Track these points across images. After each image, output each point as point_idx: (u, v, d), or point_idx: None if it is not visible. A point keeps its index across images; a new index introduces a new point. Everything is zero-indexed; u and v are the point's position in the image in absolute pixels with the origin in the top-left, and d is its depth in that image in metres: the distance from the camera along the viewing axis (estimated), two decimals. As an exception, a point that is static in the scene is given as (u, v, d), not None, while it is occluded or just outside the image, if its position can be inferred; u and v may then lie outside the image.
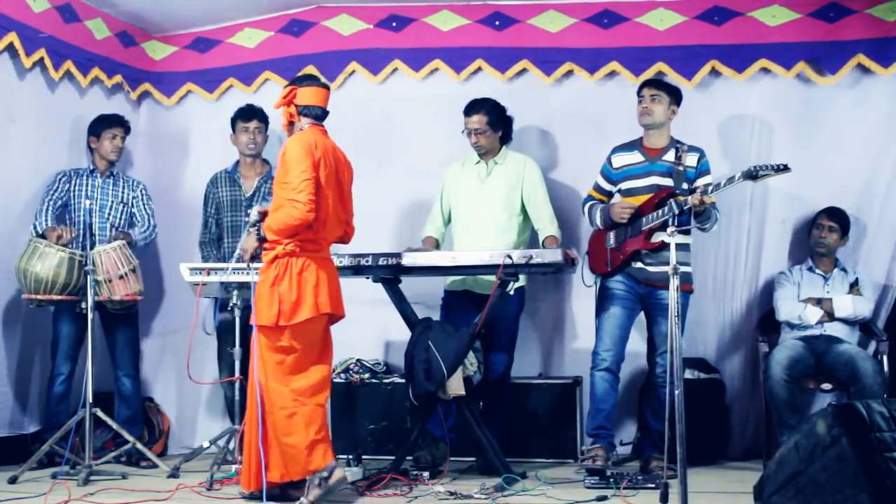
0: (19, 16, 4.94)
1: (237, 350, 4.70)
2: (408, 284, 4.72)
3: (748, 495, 3.39)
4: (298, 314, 3.88)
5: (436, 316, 4.88)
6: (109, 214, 5.22)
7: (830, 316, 4.79)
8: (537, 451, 5.04)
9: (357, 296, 5.13)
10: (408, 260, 4.54)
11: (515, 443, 4.98)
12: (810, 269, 4.96)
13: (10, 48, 4.93)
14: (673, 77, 5.17)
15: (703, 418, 4.83)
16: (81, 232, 4.91)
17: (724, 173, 4.61)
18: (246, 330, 4.44)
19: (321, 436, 3.88)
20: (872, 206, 5.09)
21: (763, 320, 5.16)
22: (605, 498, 3.94)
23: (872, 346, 4.90)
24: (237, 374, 4.66)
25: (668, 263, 3.59)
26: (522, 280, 4.89)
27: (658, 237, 4.55)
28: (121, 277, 4.85)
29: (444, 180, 5.13)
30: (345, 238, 4.21)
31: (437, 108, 5.45)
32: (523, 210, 4.97)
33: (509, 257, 4.34)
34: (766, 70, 5.20)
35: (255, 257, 4.09)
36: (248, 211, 4.35)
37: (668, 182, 4.58)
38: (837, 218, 4.93)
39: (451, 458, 4.68)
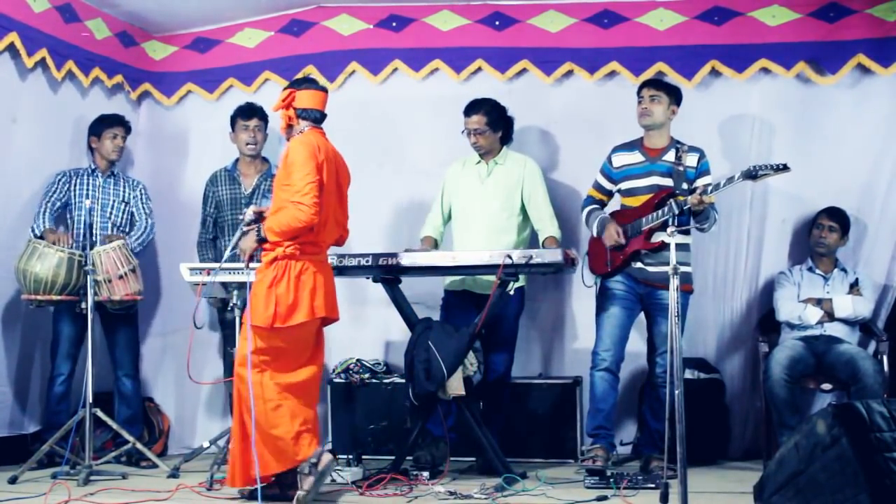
0: (19, 16, 4.94)
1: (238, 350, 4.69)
2: (408, 284, 4.72)
3: (748, 495, 3.39)
4: (294, 317, 3.88)
5: (436, 316, 4.88)
6: (111, 214, 5.22)
7: (830, 316, 4.79)
8: (537, 451, 5.04)
9: (357, 296, 5.15)
10: (407, 260, 4.54)
11: (515, 443, 4.98)
12: (810, 270, 4.96)
13: (12, 48, 4.93)
14: (673, 77, 5.17)
15: (703, 418, 4.83)
16: (82, 232, 4.91)
17: (724, 173, 4.62)
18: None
19: (306, 427, 3.89)
20: (872, 206, 5.09)
21: (763, 320, 5.16)
22: (605, 498, 3.94)
23: (872, 346, 4.90)
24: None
25: (667, 263, 3.59)
26: (522, 280, 4.89)
27: (658, 237, 4.55)
28: (120, 277, 4.85)
29: (445, 180, 5.13)
30: (340, 241, 4.22)
31: (437, 108, 5.45)
32: (523, 210, 4.97)
33: (509, 257, 4.34)
34: (766, 70, 5.20)
35: (252, 258, 4.08)
36: (244, 210, 4.35)
37: (669, 182, 4.58)
38: (837, 218, 4.93)
39: (451, 458, 4.67)
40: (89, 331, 4.66)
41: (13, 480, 4.45)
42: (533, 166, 5.02)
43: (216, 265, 4.54)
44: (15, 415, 5.09)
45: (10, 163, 5.06)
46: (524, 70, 5.48)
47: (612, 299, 4.68)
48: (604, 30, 5.37)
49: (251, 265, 4.08)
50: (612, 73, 5.38)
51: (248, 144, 5.29)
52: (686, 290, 4.55)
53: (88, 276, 4.67)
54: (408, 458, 4.63)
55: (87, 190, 5.18)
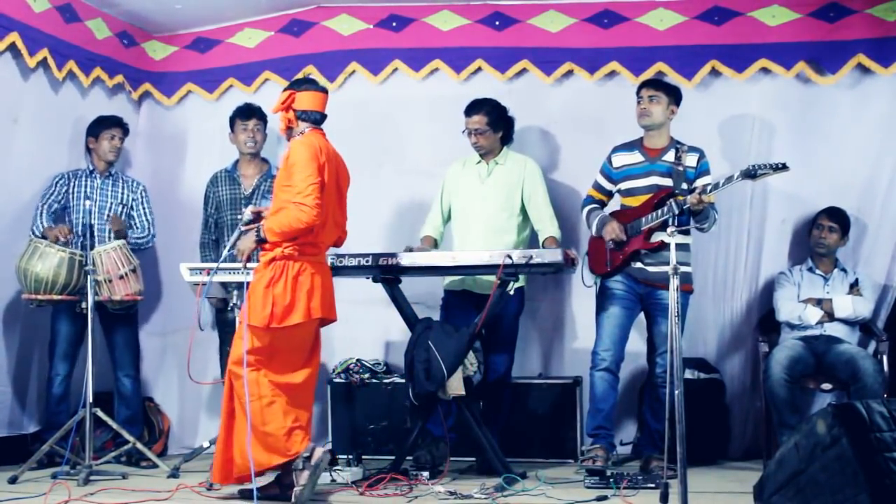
0: (20, 16, 4.94)
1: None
2: (408, 284, 4.72)
3: (748, 495, 3.39)
4: (290, 318, 3.89)
5: (436, 316, 4.88)
6: (108, 216, 5.21)
7: (830, 316, 4.79)
8: (537, 451, 5.04)
9: (357, 296, 5.15)
10: (407, 260, 4.54)
11: (515, 443, 4.98)
12: (810, 270, 4.96)
13: (13, 48, 4.93)
14: (673, 77, 5.17)
15: (703, 418, 4.83)
16: (81, 233, 4.91)
17: (724, 173, 4.61)
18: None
19: (298, 424, 3.91)
20: (873, 206, 5.09)
21: (763, 320, 5.16)
22: (605, 498, 3.94)
23: (872, 346, 4.90)
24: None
25: (667, 263, 3.59)
26: (522, 280, 4.89)
27: (658, 237, 4.55)
28: (121, 277, 4.85)
29: (445, 180, 5.13)
30: (338, 242, 4.23)
31: (437, 109, 5.45)
32: (523, 210, 4.97)
33: (509, 257, 4.34)
34: (766, 70, 5.20)
35: (250, 258, 4.07)
36: (243, 210, 4.34)
37: (668, 182, 4.58)
38: (837, 218, 4.93)
39: (451, 458, 4.67)
40: (89, 331, 4.66)
41: (13, 480, 4.45)
42: (533, 166, 5.02)
43: (214, 265, 4.54)
44: (15, 415, 5.09)
45: (12, 163, 5.06)
46: (524, 70, 5.48)
47: (612, 299, 4.69)
48: (604, 30, 5.37)
49: (249, 265, 4.08)
50: (612, 73, 5.39)
51: (247, 144, 5.29)
52: (686, 290, 4.55)
53: (89, 276, 4.67)
54: (408, 458, 4.63)
55: (86, 191, 5.18)
